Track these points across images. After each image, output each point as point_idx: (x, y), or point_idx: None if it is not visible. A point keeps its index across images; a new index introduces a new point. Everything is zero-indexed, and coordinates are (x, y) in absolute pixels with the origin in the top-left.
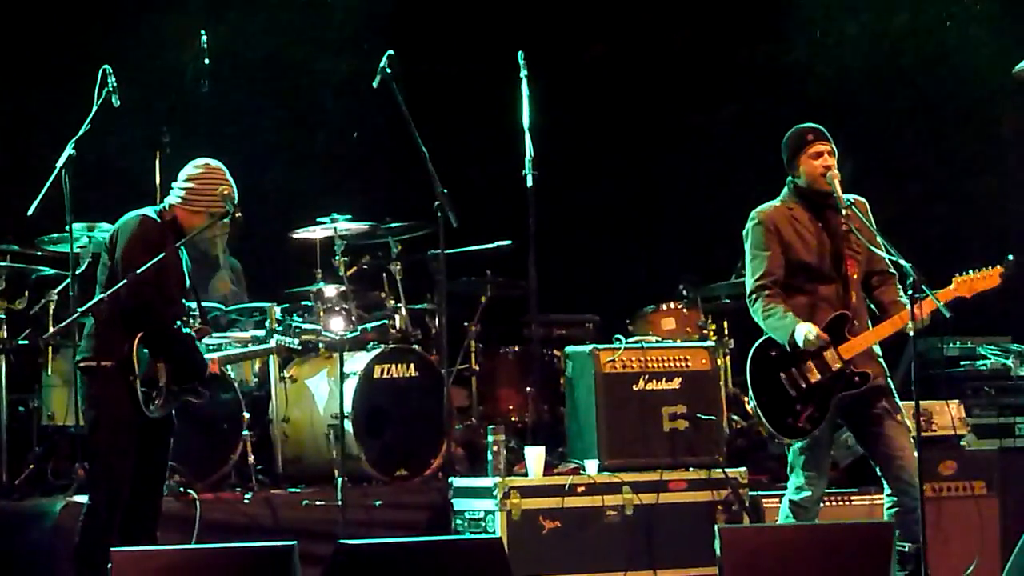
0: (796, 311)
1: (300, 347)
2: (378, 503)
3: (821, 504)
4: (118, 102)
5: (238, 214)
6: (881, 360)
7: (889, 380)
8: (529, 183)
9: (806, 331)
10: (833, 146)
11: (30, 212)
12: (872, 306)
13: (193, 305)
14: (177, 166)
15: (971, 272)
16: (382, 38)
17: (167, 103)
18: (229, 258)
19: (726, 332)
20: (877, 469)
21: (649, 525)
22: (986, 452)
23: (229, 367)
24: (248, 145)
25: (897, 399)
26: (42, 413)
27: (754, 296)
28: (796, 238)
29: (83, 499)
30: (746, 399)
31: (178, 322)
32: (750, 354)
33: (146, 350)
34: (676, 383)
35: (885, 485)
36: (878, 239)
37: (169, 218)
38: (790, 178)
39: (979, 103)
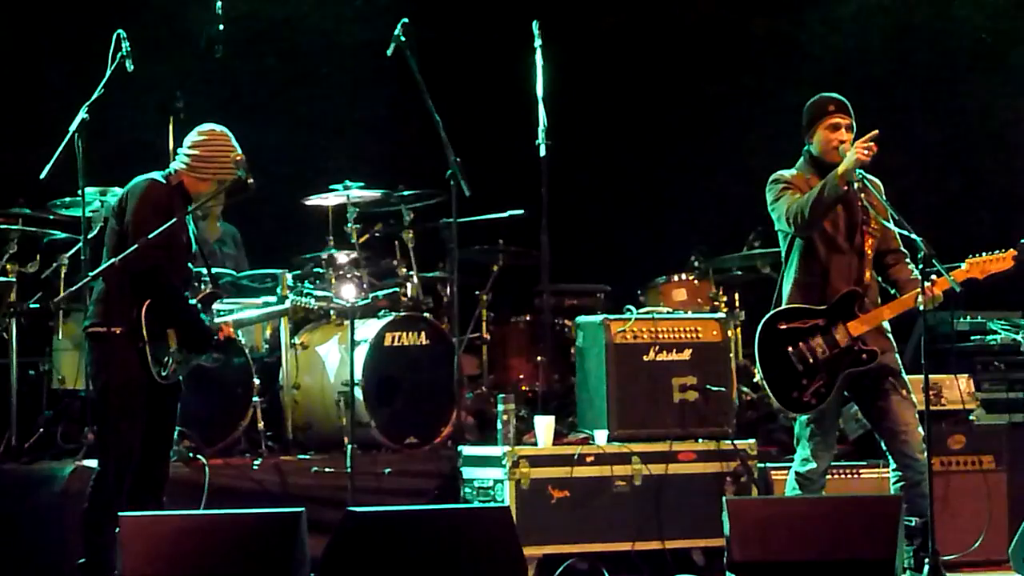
0: (810, 279)
1: (315, 306)
2: (387, 471)
3: (827, 476)
4: (132, 67)
5: (251, 180)
6: (890, 335)
7: (897, 356)
8: (542, 152)
9: (852, 155)
10: (852, 121)
11: (43, 176)
12: (886, 285)
13: (203, 270)
14: (190, 131)
15: (984, 254)
16: (397, 5)
17: (181, 68)
18: (225, 224)
19: (737, 304)
20: (882, 443)
21: (658, 496)
22: (995, 427)
23: (240, 333)
24: (261, 111)
25: (904, 375)
26: (52, 377)
27: (785, 207)
28: None
29: (92, 463)
30: (756, 371)
31: (185, 291)
32: (759, 327)
33: (153, 316)
34: (686, 354)
35: (890, 459)
36: (891, 216)
37: (176, 183)
38: (807, 147)
39: (994, 78)
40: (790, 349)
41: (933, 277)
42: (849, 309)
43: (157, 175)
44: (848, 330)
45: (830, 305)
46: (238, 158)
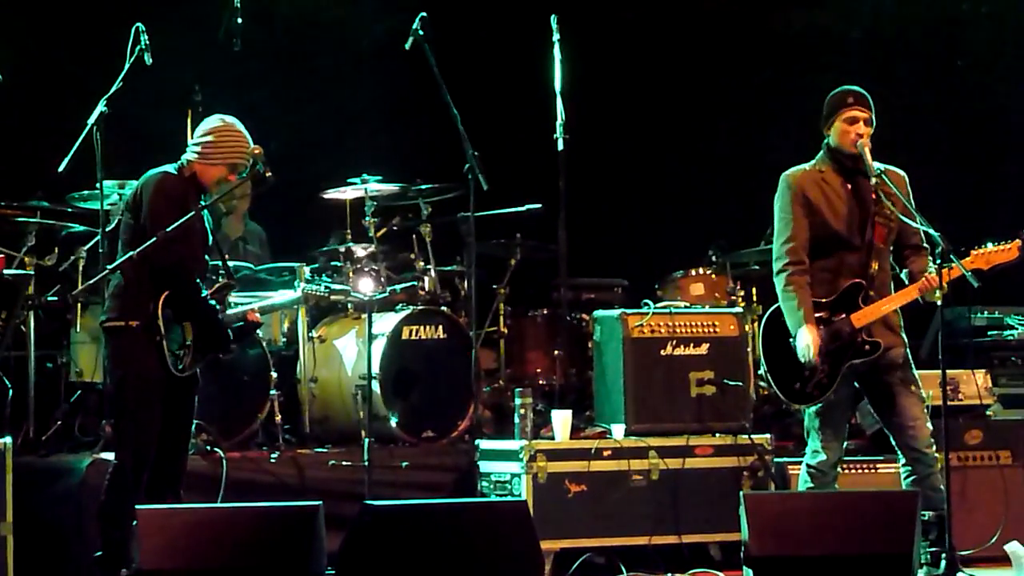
0: (820, 275)
1: (327, 293)
2: (404, 464)
3: (844, 471)
4: (150, 60)
5: (269, 173)
6: (902, 332)
7: (907, 351)
8: (560, 146)
9: (805, 344)
10: (872, 115)
11: (61, 169)
12: (904, 278)
13: (219, 262)
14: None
15: (989, 245)
16: None
17: (199, 62)
18: (251, 223)
19: (754, 298)
20: (891, 438)
21: (675, 490)
22: (1012, 422)
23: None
24: (279, 105)
25: (913, 369)
26: (70, 369)
27: (779, 269)
28: (824, 203)
29: (110, 456)
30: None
31: (202, 285)
32: (763, 319)
33: (170, 309)
34: (704, 348)
35: (899, 454)
36: (912, 212)
37: (188, 174)
38: (826, 139)
39: (1014, 71)
40: (792, 341)
41: (933, 267)
42: (853, 301)
43: (170, 167)
44: (851, 321)
45: (834, 298)
46: (256, 151)
